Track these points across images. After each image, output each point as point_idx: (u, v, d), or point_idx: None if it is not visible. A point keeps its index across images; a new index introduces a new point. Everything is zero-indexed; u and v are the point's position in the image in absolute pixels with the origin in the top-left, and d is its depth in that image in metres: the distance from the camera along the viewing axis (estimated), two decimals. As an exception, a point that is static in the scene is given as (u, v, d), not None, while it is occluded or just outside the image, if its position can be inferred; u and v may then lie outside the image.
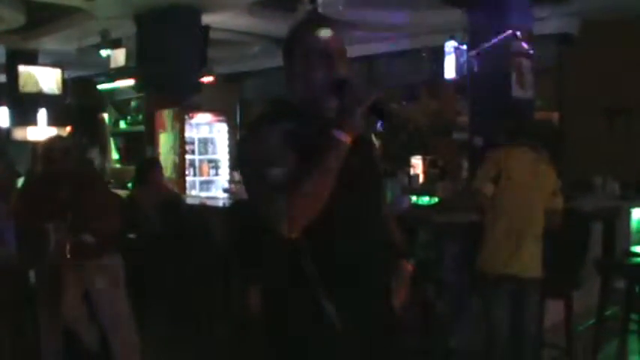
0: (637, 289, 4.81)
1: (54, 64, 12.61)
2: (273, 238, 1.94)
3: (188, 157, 9.41)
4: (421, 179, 9.31)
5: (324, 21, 2.17)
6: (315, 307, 1.97)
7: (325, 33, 2.06)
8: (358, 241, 2.05)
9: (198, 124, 9.65)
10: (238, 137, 8.90)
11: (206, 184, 9.89)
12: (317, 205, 1.87)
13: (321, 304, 1.97)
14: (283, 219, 1.86)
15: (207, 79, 10.26)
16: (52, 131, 11.26)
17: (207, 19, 9.46)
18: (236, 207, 5.93)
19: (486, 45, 6.22)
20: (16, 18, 10.12)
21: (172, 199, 6.50)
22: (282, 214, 1.86)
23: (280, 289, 2.07)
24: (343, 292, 2.00)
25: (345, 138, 1.88)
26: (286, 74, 2.12)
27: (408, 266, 2.34)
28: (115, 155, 11.38)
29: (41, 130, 12.22)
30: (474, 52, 6.29)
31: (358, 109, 1.89)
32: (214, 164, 9.96)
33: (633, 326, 4.86)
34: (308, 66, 2.03)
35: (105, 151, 11.42)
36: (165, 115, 9.34)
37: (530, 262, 4.10)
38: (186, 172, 9.37)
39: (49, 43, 11.58)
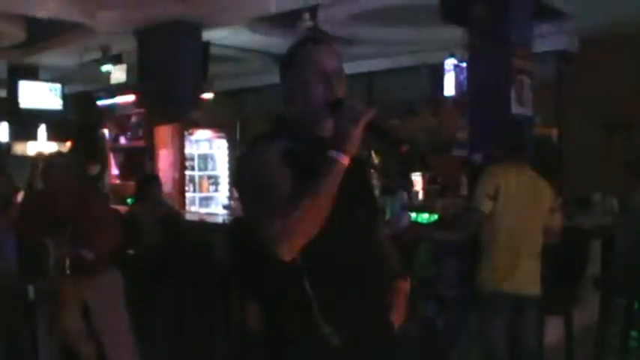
0: (636, 307, 4.81)
1: (54, 80, 12.64)
2: (272, 258, 1.94)
3: (188, 173, 9.40)
4: (420, 196, 9.31)
5: (323, 38, 2.17)
6: (314, 326, 1.96)
7: (323, 51, 2.06)
8: (355, 259, 2.04)
9: (198, 141, 9.66)
10: (238, 154, 8.90)
11: (206, 201, 9.88)
12: (315, 226, 1.86)
13: (319, 323, 1.95)
14: (280, 241, 1.85)
15: (207, 95, 10.29)
16: (52, 146, 11.28)
17: (207, 35, 9.49)
18: (236, 224, 5.93)
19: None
20: (16, 33, 10.16)
21: (172, 215, 6.50)
22: (280, 236, 1.84)
23: (279, 307, 2.06)
24: (342, 311, 1.99)
25: (343, 159, 1.86)
26: (284, 91, 2.12)
27: (406, 284, 2.33)
28: (114, 171, 11.37)
29: (41, 146, 12.23)
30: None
31: (355, 130, 1.88)
32: (214, 180, 9.96)
33: (633, 343, 4.85)
34: (305, 84, 2.02)
35: (105, 167, 11.41)
36: (166, 131, 9.35)
37: (528, 279, 4.10)
38: (186, 188, 9.37)
39: (49, 58, 11.60)
